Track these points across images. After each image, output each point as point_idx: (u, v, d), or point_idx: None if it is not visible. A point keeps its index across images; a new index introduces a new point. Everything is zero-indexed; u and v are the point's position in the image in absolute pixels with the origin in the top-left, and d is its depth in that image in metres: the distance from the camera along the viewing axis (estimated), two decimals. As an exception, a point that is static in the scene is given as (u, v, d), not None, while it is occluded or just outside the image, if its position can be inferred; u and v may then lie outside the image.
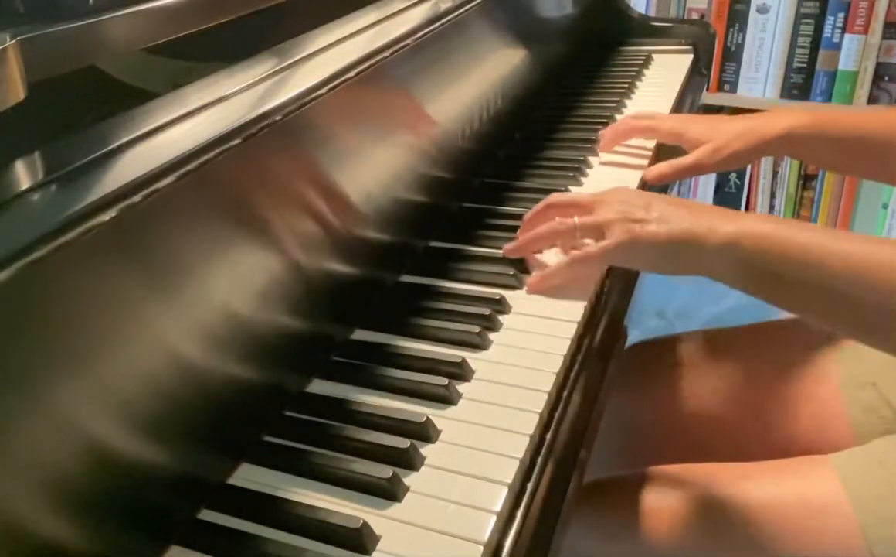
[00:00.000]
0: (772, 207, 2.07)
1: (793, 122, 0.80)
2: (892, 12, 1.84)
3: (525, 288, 0.68)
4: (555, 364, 0.59)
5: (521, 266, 0.71)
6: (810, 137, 0.80)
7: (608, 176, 0.90)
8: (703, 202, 0.63)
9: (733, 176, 2.08)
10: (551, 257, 0.72)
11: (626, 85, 1.16)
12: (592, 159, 0.94)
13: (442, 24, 0.75)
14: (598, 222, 0.65)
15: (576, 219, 0.66)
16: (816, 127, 0.79)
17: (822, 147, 0.81)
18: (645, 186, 0.87)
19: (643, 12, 1.59)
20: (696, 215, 0.61)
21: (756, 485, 0.68)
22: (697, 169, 0.84)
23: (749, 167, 2.05)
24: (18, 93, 0.40)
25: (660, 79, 1.21)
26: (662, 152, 0.93)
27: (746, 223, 0.59)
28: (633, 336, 0.97)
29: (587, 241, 0.67)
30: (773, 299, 0.61)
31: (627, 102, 1.12)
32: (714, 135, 0.83)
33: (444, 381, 0.57)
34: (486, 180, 0.90)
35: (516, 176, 0.91)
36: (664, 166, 0.86)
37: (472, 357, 0.60)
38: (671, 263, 0.63)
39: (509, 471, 0.50)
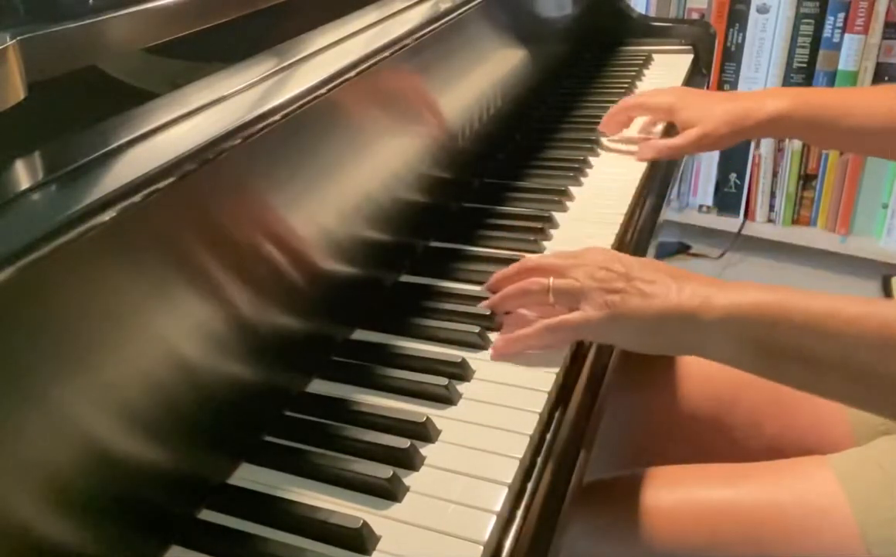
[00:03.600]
0: (772, 208, 2.07)
1: (779, 107, 0.82)
2: (892, 12, 1.84)
3: (490, 352, 0.61)
4: (555, 364, 0.59)
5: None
6: (797, 121, 0.82)
7: (610, 173, 0.91)
8: (685, 271, 0.59)
9: (733, 176, 2.08)
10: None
11: (626, 85, 1.16)
12: (592, 159, 0.94)
13: (442, 24, 0.75)
14: (572, 287, 0.59)
15: (550, 280, 0.60)
16: (804, 111, 0.82)
17: (811, 130, 0.84)
18: (644, 185, 0.87)
19: (643, 12, 1.59)
20: (683, 285, 0.56)
21: (755, 486, 0.68)
22: (687, 150, 0.89)
23: (749, 168, 2.05)
24: (18, 93, 0.40)
25: (660, 79, 1.21)
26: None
27: (746, 293, 0.54)
28: (633, 336, 0.96)
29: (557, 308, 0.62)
30: (780, 378, 0.56)
31: (627, 102, 1.12)
32: (703, 118, 0.86)
33: (444, 381, 0.57)
34: (486, 180, 0.90)
35: (516, 176, 0.91)
36: (657, 145, 0.91)
37: (471, 357, 0.60)
38: (655, 340, 0.58)
39: (509, 471, 0.50)
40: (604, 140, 0.98)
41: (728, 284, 0.56)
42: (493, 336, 0.63)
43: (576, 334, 0.60)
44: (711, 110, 0.87)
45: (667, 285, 0.56)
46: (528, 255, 0.73)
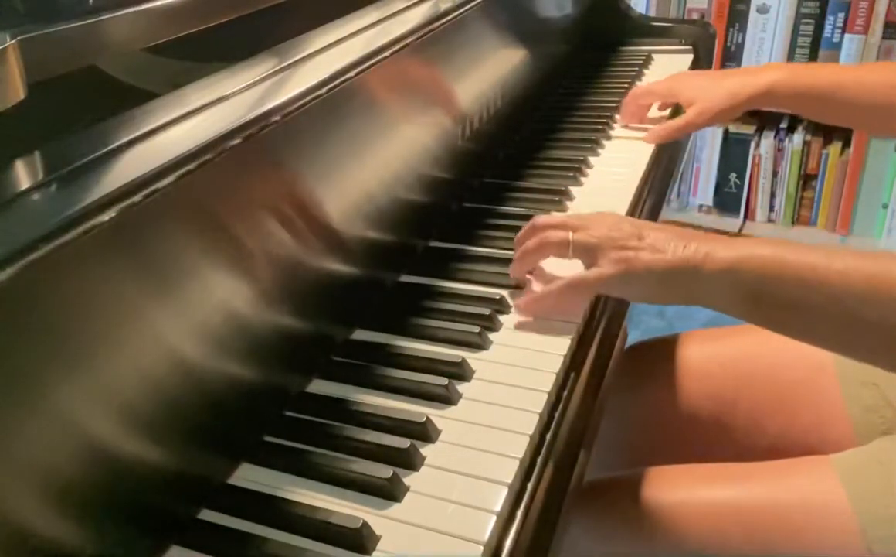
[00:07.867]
0: (772, 208, 2.07)
1: (774, 78, 0.88)
2: (892, 12, 1.84)
3: (512, 308, 0.66)
4: (555, 364, 0.59)
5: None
6: (790, 94, 0.87)
7: (609, 173, 0.91)
8: (691, 230, 0.62)
9: (733, 176, 2.08)
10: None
11: (626, 85, 1.16)
12: (592, 159, 0.94)
13: (442, 24, 0.75)
14: (591, 243, 0.63)
15: (570, 234, 0.64)
16: (798, 83, 0.86)
17: (804, 102, 0.89)
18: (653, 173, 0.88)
19: (643, 12, 1.60)
20: (689, 242, 0.60)
21: (756, 485, 0.68)
22: (688, 128, 0.95)
23: (749, 168, 2.05)
24: (18, 93, 0.40)
25: (660, 79, 1.20)
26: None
27: (744, 248, 0.58)
28: (633, 336, 0.97)
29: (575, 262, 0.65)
30: (775, 325, 0.60)
31: (627, 102, 1.12)
32: (702, 96, 0.92)
33: (444, 381, 0.57)
34: (486, 180, 0.90)
35: (516, 176, 0.91)
36: (660, 129, 0.97)
37: (472, 357, 0.60)
38: (666, 292, 0.61)
39: (509, 471, 0.50)
40: (617, 128, 1.03)
41: (729, 240, 0.61)
42: (493, 336, 0.63)
43: (594, 290, 0.65)
44: (710, 87, 0.92)
45: (674, 242, 0.60)
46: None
